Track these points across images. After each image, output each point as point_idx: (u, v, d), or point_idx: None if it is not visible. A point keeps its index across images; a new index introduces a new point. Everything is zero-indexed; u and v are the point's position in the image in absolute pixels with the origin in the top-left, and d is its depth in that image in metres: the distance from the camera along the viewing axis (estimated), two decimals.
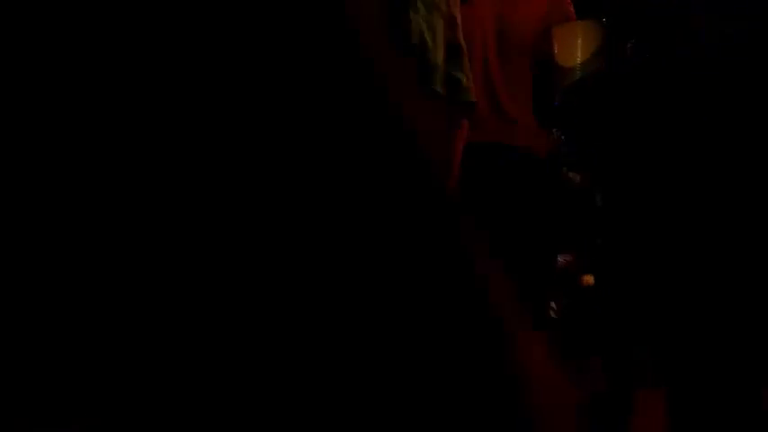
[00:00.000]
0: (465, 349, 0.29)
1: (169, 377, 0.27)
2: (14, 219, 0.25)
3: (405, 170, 0.29)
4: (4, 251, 0.26)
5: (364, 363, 0.27)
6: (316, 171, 0.27)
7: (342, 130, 0.28)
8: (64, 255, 0.26)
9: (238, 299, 0.26)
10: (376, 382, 0.28)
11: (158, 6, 0.25)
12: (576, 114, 2.55)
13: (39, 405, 0.27)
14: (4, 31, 0.24)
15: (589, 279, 3.73)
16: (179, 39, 0.25)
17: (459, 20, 2.41)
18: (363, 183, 0.28)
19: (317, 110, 0.27)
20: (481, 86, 2.79)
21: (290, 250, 0.27)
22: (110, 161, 0.25)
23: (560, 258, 3.73)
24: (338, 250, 0.28)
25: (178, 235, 0.25)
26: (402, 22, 2.12)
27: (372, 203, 0.28)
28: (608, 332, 2.92)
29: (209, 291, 0.26)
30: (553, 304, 3.56)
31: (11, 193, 0.25)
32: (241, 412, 0.26)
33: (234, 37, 0.26)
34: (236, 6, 0.26)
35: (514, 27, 3.21)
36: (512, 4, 3.24)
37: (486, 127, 2.86)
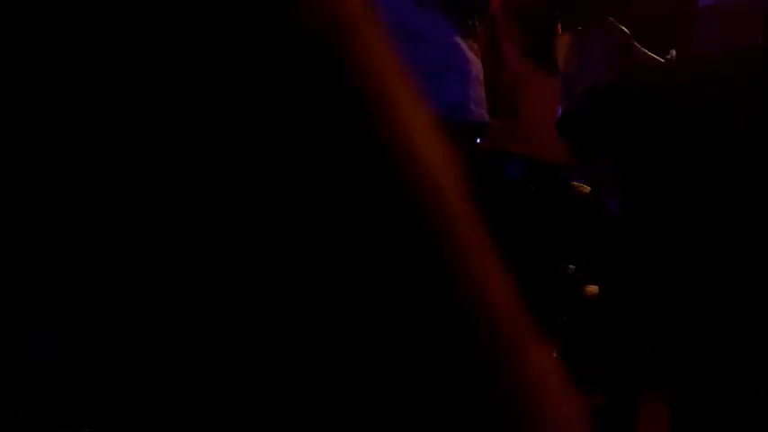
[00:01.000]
0: (470, 358, 0.29)
1: (168, 378, 0.27)
2: (11, 219, 0.25)
3: (410, 184, 0.29)
4: (2, 251, 0.26)
5: (364, 368, 0.27)
6: (317, 180, 0.27)
7: (346, 144, 0.28)
8: (63, 254, 0.26)
9: (233, 300, 0.26)
10: (378, 390, 0.28)
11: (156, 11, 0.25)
12: (582, 123, 2.55)
13: (39, 405, 0.27)
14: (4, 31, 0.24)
15: (593, 289, 3.73)
16: (180, 42, 0.25)
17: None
18: (367, 196, 0.28)
19: (320, 123, 0.27)
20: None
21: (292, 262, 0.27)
22: (102, 160, 0.25)
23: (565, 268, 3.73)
24: (344, 261, 0.28)
25: (169, 236, 0.25)
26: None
27: (376, 214, 0.28)
28: (612, 342, 2.92)
29: (202, 291, 0.26)
30: (559, 314, 3.56)
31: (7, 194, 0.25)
32: (238, 412, 0.26)
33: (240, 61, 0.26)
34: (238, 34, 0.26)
35: (500, 18, 3.18)
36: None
37: (491, 134, 2.85)
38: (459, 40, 2.35)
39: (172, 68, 0.25)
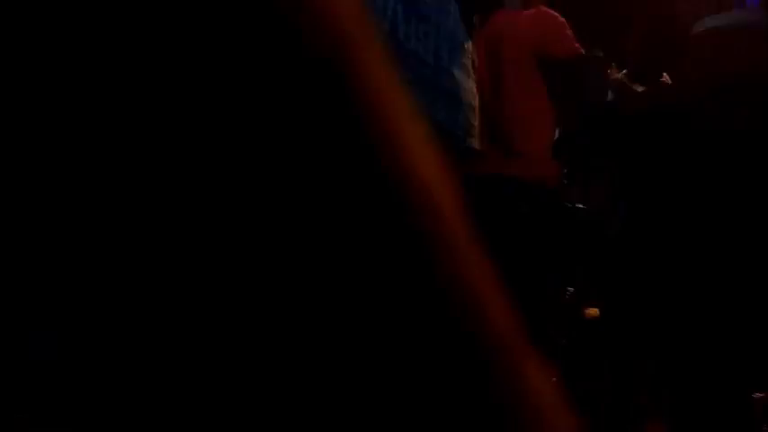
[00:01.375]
0: (463, 371, 0.30)
1: (168, 378, 0.27)
2: (12, 219, 0.26)
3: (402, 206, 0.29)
4: (2, 251, 0.26)
5: (361, 385, 0.27)
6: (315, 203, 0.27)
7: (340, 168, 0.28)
8: (63, 255, 0.26)
9: (232, 300, 0.26)
10: (371, 407, 0.28)
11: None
12: (578, 144, 2.56)
13: (39, 405, 0.27)
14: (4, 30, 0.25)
15: (592, 312, 3.71)
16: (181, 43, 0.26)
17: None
18: (362, 218, 0.28)
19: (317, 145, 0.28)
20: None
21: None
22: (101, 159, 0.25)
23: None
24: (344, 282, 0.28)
25: (168, 237, 0.26)
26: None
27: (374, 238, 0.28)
28: (613, 362, 2.91)
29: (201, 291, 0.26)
30: (559, 336, 3.54)
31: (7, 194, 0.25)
32: (238, 412, 0.26)
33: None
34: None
35: (508, 53, 3.22)
36: (502, 32, 3.25)
37: (485, 159, 2.84)
38: (454, 65, 2.34)
39: (173, 83, 0.26)
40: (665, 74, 2.87)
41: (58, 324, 0.27)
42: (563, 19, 3.38)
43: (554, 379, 0.31)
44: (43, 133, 0.26)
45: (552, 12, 3.40)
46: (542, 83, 3.29)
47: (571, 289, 3.73)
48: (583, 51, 3.27)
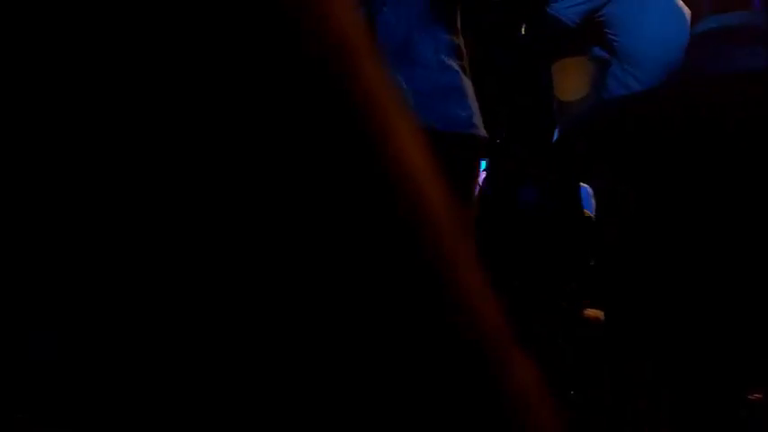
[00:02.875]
0: (451, 370, 0.30)
1: (167, 378, 0.27)
2: (12, 219, 0.26)
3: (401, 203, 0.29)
4: (2, 251, 0.26)
5: (342, 380, 0.28)
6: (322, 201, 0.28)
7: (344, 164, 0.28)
8: (63, 255, 0.26)
9: (230, 300, 0.26)
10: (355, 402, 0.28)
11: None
12: (575, 148, 2.56)
13: (39, 405, 0.27)
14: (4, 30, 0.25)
15: (592, 313, 3.71)
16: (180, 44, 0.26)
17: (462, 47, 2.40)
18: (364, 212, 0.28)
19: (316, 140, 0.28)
20: None
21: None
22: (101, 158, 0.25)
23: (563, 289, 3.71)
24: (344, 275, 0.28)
25: (167, 238, 0.26)
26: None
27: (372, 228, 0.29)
28: (612, 367, 2.91)
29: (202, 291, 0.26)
30: (558, 338, 3.54)
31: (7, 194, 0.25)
32: (237, 412, 0.26)
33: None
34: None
35: None
36: None
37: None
38: (454, 64, 2.38)
39: (182, 98, 0.26)
40: None
41: (58, 324, 0.27)
42: None
43: (540, 378, 0.31)
44: (43, 133, 0.26)
45: None
46: None
47: (573, 288, 3.72)
48: None
